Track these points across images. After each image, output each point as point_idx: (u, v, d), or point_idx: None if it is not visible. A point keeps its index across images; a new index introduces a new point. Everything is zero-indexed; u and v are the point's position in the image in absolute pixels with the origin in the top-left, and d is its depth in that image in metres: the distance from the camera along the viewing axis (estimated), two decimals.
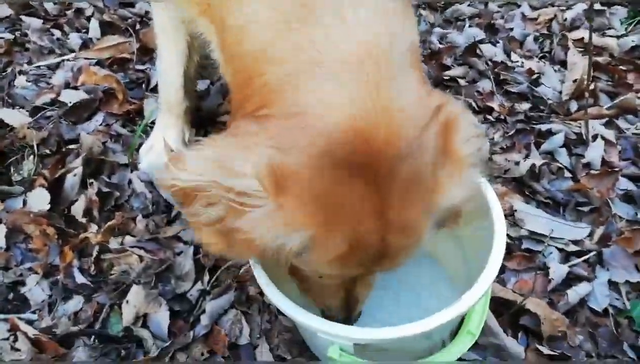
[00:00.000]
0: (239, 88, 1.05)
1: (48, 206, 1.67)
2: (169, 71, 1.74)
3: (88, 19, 2.49)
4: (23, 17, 2.43)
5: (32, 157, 1.83)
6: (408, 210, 0.91)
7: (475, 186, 1.02)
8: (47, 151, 1.85)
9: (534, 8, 2.66)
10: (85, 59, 2.26)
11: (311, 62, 0.91)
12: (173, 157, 1.02)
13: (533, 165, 1.82)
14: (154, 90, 2.03)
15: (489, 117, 2.10)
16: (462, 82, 2.24)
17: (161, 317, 1.46)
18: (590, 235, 1.67)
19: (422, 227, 0.95)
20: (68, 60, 2.26)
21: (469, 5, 2.71)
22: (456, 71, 2.29)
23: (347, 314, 1.17)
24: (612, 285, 1.56)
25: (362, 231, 0.89)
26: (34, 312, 1.49)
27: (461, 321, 1.20)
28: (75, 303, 1.50)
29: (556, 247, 1.64)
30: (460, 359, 1.38)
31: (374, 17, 0.93)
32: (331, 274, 1.02)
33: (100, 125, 1.98)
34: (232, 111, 1.13)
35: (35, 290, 1.53)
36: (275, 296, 1.10)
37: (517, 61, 2.35)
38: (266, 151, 0.89)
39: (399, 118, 0.87)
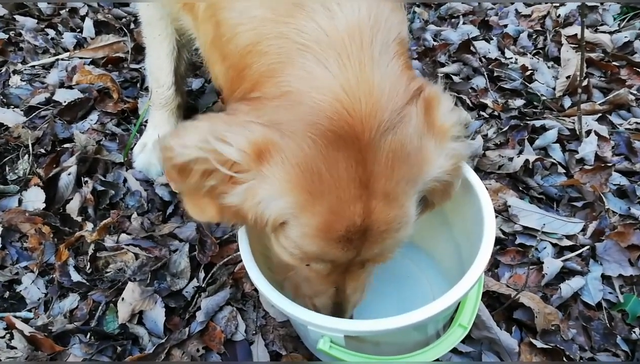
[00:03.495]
0: (231, 82, 1.10)
1: (43, 205, 1.68)
2: (158, 68, 1.74)
3: (82, 18, 2.50)
4: (17, 17, 2.43)
5: (27, 156, 1.83)
6: (393, 180, 0.94)
7: (459, 156, 1.06)
8: (42, 150, 1.86)
9: (527, 5, 2.68)
10: (80, 58, 2.26)
11: (298, 48, 0.96)
12: (172, 132, 1.04)
13: (527, 161, 1.83)
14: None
15: (483, 113, 2.10)
16: (456, 78, 2.25)
17: (157, 314, 1.46)
18: (584, 229, 1.68)
19: (406, 198, 0.97)
20: (62, 59, 2.26)
21: (463, 2, 2.72)
22: (450, 68, 2.30)
23: (338, 315, 1.15)
24: (605, 278, 1.57)
25: (345, 198, 0.92)
26: (30, 310, 1.50)
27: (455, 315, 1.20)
28: (71, 300, 1.51)
29: (550, 242, 1.65)
30: (454, 352, 1.39)
31: (359, 10, 0.98)
32: (317, 252, 1.00)
33: (95, 124, 1.99)
34: (224, 101, 1.18)
35: (31, 288, 1.53)
36: (265, 288, 1.11)
37: (511, 58, 2.36)
38: (255, 127, 0.94)
39: (379, 92, 0.92)
